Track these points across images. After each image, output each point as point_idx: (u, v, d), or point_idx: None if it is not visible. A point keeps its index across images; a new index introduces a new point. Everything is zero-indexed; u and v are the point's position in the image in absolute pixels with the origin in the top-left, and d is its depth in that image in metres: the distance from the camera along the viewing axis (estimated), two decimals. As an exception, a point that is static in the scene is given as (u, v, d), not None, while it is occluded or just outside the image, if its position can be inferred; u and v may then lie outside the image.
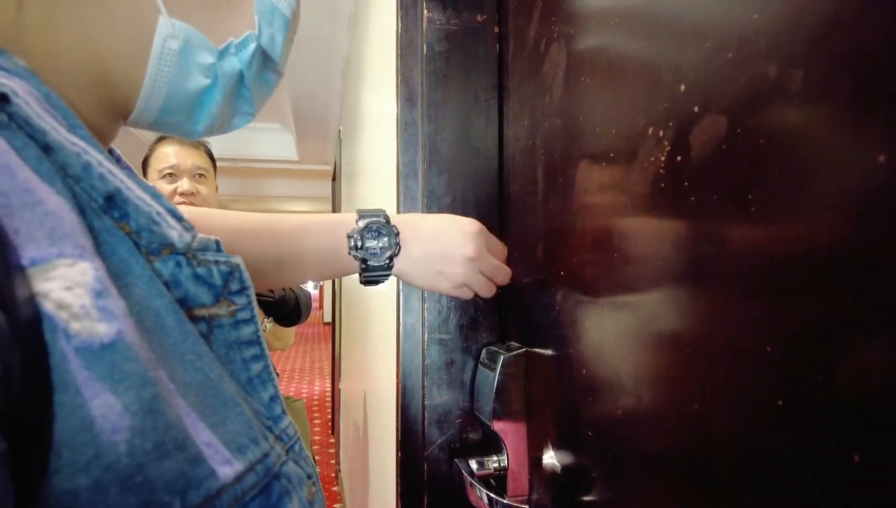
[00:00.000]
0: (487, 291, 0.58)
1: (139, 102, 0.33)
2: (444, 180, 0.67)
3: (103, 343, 0.21)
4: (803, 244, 0.23)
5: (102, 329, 0.21)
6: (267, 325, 1.46)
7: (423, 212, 0.67)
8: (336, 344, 3.94)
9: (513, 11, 0.64)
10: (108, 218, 0.26)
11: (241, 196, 7.28)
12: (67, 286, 0.21)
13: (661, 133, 0.34)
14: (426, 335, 0.67)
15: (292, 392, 5.90)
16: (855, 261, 0.21)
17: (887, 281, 0.19)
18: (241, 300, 0.31)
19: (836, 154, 0.22)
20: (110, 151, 0.35)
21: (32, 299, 0.20)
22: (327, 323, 11.00)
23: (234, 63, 0.35)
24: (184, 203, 1.21)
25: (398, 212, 0.71)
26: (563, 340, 0.49)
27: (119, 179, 0.26)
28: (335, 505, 3.10)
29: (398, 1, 0.73)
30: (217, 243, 0.31)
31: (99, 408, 0.21)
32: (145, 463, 0.22)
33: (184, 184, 1.23)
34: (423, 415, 0.67)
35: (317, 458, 3.55)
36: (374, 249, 0.52)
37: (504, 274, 0.59)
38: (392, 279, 0.60)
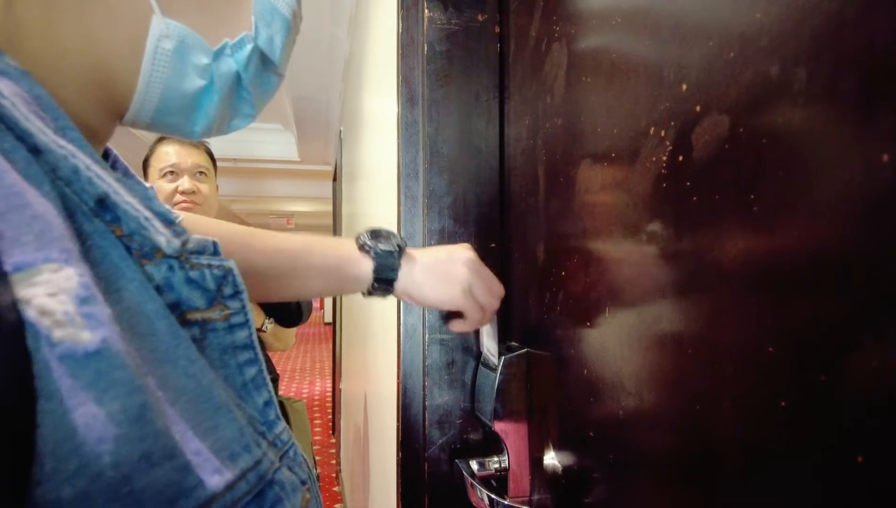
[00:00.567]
0: (490, 298, 0.57)
1: (134, 102, 0.32)
2: (445, 180, 0.67)
3: (87, 351, 0.21)
4: (806, 244, 0.23)
5: (87, 337, 0.21)
6: (268, 326, 1.46)
7: (423, 211, 0.68)
8: (337, 344, 3.94)
9: (514, 11, 0.64)
10: (99, 221, 0.25)
11: (242, 196, 7.28)
12: (51, 293, 0.20)
13: (662, 133, 0.34)
14: (427, 336, 0.67)
15: (293, 393, 5.90)
16: (859, 261, 0.21)
17: (892, 280, 0.19)
18: (234, 305, 0.31)
19: (840, 154, 0.22)
20: (107, 151, 0.35)
21: (15, 306, 0.19)
22: (328, 323, 11.02)
23: (230, 64, 0.35)
24: (185, 201, 1.21)
25: (398, 212, 0.71)
26: (564, 340, 0.49)
27: (107, 183, 0.26)
28: (336, 506, 3.11)
29: (399, 1, 0.73)
30: (215, 244, 0.31)
31: (83, 417, 0.20)
32: (132, 474, 0.21)
33: (184, 182, 1.23)
34: (424, 415, 0.67)
35: (317, 458, 3.55)
36: (382, 242, 0.54)
37: (499, 288, 0.58)
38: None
